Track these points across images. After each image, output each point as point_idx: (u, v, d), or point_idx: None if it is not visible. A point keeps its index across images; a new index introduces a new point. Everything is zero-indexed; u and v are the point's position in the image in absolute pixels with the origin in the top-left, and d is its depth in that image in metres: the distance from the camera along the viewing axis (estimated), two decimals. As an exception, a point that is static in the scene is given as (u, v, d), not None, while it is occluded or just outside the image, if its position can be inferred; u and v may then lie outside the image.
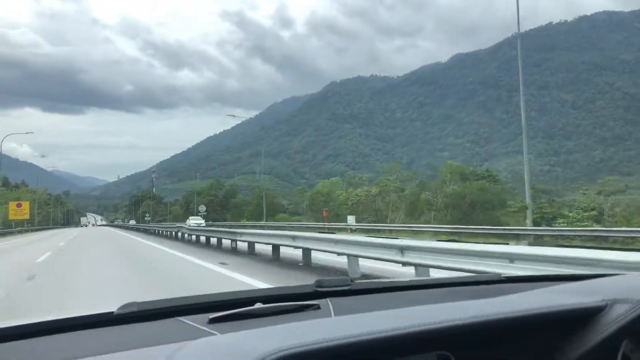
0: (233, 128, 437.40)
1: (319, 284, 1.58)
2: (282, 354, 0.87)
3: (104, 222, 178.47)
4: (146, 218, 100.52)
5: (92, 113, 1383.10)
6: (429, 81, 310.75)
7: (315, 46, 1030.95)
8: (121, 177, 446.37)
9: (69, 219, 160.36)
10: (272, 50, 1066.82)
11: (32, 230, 64.32)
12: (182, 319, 1.31)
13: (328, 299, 1.47)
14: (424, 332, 1.02)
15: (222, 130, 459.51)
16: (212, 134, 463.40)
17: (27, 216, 63.71)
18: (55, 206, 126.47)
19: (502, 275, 1.86)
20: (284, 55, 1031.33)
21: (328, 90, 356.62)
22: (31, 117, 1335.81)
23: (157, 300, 1.41)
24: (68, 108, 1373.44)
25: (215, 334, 1.14)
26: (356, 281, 1.65)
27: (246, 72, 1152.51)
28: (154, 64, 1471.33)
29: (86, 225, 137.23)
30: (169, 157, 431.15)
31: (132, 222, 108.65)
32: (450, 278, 1.92)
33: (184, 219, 68.78)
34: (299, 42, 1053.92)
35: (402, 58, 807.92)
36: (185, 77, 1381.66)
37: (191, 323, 1.27)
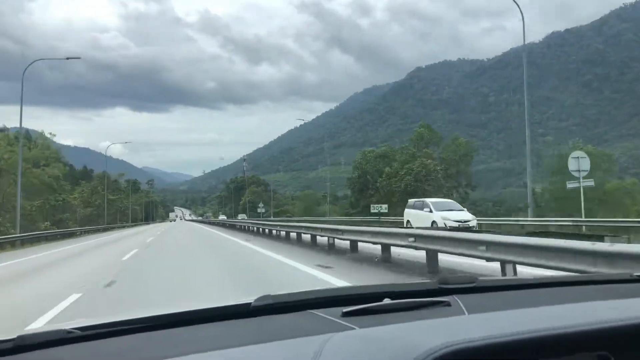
0: (313, 120, 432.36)
1: (443, 280, 1.56)
2: (450, 349, 0.85)
3: (192, 217, 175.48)
4: (259, 210, 76.95)
5: (178, 111, 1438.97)
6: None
7: (395, 33, 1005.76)
8: (206, 171, 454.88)
9: (152, 214, 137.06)
10: (350, 40, 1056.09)
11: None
12: (315, 311, 1.32)
13: (455, 296, 1.43)
14: (585, 332, 0.98)
15: (302, 123, 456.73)
16: (292, 127, 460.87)
17: None
18: (127, 194, 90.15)
19: (634, 274, 1.79)
20: (362, 45, 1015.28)
21: (413, 76, 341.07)
22: (122, 117, 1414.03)
23: (291, 294, 1.43)
24: (155, 107, 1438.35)
25: (354, 328, 1.13)
26: (480, 278, 1.62)
27: (324, 64, 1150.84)
28: (234, 60, 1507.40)
29: (174, 220, 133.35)
30: (251, 152, 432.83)
31: (243, 216, 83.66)
32: (576, 276, 1.74)
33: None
34: (379, 29, 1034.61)
35: (490, 40, 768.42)
36: (264, 72, 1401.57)
37: (325, 316, 1.27)
